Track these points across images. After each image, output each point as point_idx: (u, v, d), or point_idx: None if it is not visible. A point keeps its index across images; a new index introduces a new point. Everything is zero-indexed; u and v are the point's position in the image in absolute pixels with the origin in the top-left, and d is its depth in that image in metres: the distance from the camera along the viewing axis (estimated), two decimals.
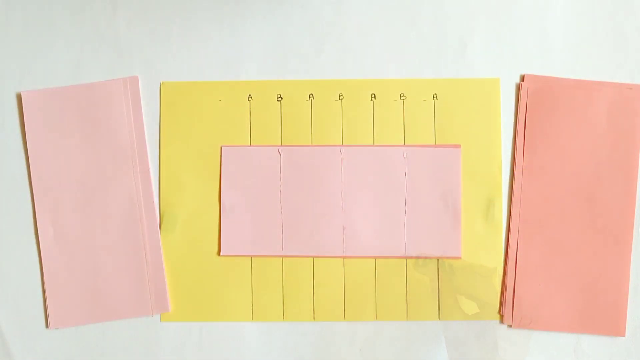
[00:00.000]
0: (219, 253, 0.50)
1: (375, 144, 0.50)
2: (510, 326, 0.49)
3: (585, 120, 0.50)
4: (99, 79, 0.51)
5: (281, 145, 0.50)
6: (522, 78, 0.51)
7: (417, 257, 0.48)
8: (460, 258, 0.49)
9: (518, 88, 0.51)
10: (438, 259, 0.50)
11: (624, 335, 0.49)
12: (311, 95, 0.51)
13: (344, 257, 0.50)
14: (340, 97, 0.51)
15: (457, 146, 0.49)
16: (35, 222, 0.50)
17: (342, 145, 0.50)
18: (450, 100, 0.50)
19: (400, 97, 0.51)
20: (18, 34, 0.51)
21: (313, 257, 0.50)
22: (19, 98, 0.51)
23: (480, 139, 0.50)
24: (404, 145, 0.50)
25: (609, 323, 0.49)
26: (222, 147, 0.50)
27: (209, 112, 0.51)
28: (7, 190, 0.51)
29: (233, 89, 0.51)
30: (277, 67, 0.51)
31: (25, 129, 0.50)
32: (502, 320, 0.49)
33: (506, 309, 0.49)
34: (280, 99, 0.51)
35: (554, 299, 0.49)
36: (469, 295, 0.50)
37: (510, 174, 0.50)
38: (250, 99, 0.51)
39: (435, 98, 0.50)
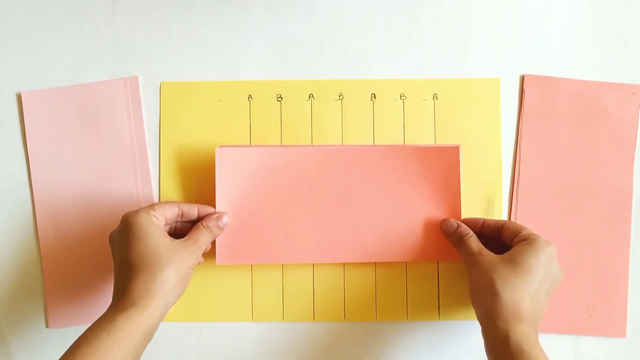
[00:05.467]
0: None
1: (375, 143, 0.50)
2: None
3: (585, 121, 0.50)
4: (99, 79, 0.51)
5: (281, 145, 0.50)
6: (522, 78, 0.51)
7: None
8: (460, 258, 0.49)
9: (518, 88, 0.51)
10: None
11: (624, 336, 0.49)
12: (311, 95, 0.51)
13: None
14: (340, 97, 0.51)
15: (457, 146, 0.49)
16: (35, 222, 0.50)
17: (342, 145, 0.50)
18: (450, 100, 0.50)
19: (400, 97, 0.51)
20: (18, 34, 0.51)
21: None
22: (19, 98, 0.51)
23: (480, 139, 0.50)
24: (404, 145, 0.50)
25: (610, 324, 0.49)
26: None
27: (209, 112, 0.51)
28: (7, 190, 0.51)
29: (233, 89, 0.51)
30: (277, 67, 0.51)
31: (25, 129, 0.50)
32: None
33: None
34: (280, 99, 0.51)
35: (554, 300, 0.49)
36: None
37: (510, 174, 0.50)
38: (250, 99, 0.51)
39: (435, 98, 0.50)
